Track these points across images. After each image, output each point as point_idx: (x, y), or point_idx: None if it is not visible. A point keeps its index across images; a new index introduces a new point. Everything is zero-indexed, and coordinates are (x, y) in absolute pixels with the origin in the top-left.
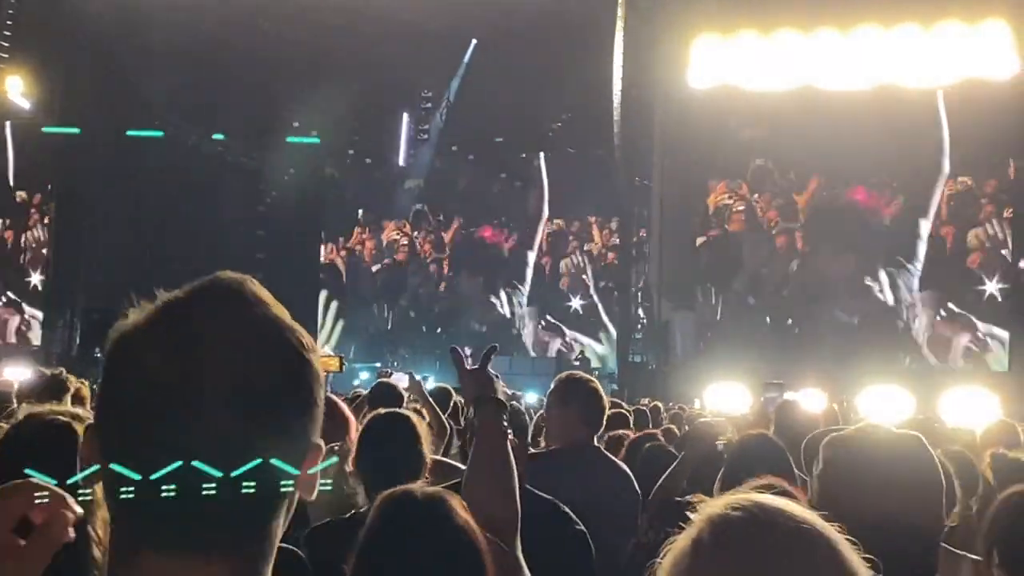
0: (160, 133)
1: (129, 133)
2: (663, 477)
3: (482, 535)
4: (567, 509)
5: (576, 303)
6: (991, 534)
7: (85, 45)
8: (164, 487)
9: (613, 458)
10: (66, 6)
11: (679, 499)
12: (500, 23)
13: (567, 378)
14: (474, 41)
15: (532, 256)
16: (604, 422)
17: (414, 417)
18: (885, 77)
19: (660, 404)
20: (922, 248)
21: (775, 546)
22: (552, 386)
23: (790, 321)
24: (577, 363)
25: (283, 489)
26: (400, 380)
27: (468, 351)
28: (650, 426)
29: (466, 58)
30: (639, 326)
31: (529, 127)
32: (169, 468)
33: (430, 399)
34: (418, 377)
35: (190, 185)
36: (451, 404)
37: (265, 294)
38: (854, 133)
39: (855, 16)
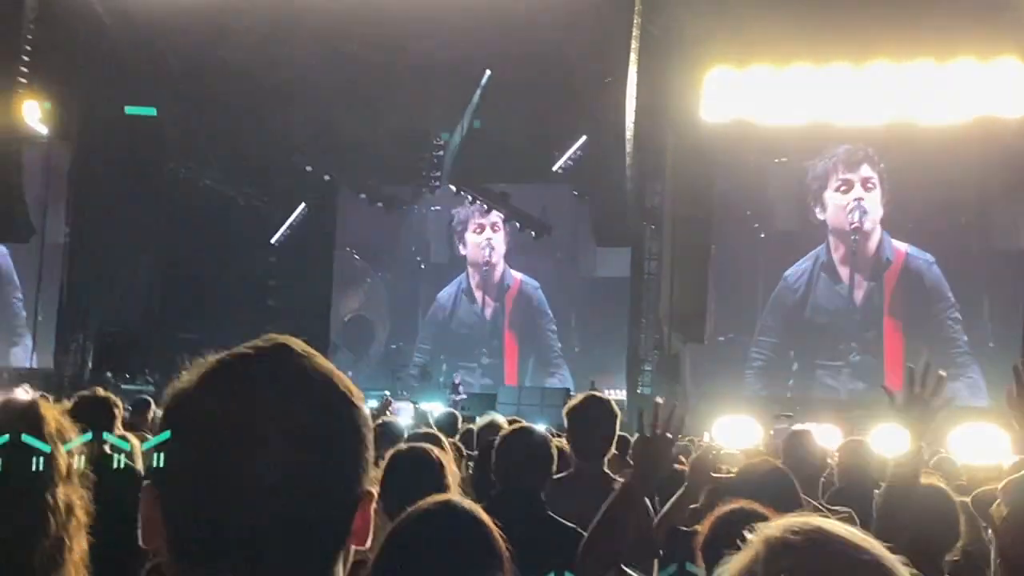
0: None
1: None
2: (666, 506)
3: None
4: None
5: None
6: None
7: (103, 72)
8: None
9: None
10: (85, 32)
11: (684, 528)
12: (510, 57)
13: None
14: (488, 72)
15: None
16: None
17: (435, 450)
18: (899, 113)
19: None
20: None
21: (832, 570)
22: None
23: (792, 354)
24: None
25: None
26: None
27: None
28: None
29: (479, 89)
30: (649, 358)
31: (539, 164)
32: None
33: (434, 429)
34: (423, 407)
35: (203, 215)
36: (459, 430)
37: (310, 350)
38: None
39: (868, 51)
